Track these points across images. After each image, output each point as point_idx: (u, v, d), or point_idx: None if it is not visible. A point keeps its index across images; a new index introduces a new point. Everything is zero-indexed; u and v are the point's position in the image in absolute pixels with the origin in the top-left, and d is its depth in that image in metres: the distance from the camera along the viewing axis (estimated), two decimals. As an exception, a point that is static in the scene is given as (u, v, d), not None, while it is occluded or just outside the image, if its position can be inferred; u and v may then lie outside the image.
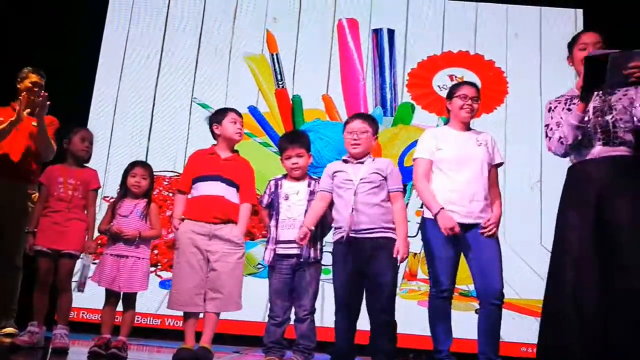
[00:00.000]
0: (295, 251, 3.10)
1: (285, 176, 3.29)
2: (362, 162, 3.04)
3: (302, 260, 3.12)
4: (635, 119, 2.69)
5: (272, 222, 3.21)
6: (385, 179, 3.01)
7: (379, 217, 2.95)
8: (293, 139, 3.32)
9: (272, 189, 3.26)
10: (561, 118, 2.81)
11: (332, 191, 3.07)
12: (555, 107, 2.88)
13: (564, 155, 2.83)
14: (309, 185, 3.22)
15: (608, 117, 2.73)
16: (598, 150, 2.72)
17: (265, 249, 3.21)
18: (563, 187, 2.85)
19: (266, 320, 3.22)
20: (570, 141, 2.71)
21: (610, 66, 2.55)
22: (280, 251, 3.15)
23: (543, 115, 3.02)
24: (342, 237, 2.96)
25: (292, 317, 3.21)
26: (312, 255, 3.14)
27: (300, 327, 3.14)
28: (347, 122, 3.16)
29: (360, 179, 2.99)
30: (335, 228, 3.05)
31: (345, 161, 3.10)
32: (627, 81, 2.56)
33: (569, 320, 2.59)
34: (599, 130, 2.72)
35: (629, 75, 2.53)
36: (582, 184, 2.73)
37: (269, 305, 3.22)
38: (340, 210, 3.00)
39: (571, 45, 2.92)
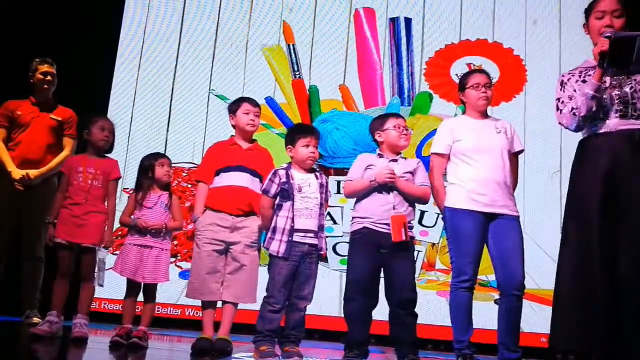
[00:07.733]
0: (311, 241, 3.03)
1: (289, 166, 3.13)
2: (396, 161, 3.05)
3: (314, 250, 3.04)
4: None
5: (283, 213, 3.03)
6: (412, 174, 3.04)
7: (408, 214, 2.98)
8: (313, 129, 3.24)
9: (284, 179, 3.05)
10: (574, 91, 2.67)
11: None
12: (568, 80, 2.75)
13: (576, 130, 2.69)
14: (317, 178, 3.12)
15: (627, 88, 2.60)
16: (615, 123, 2.59)
17: (272, 240, 3.03)
18: (573, 163, 2.73)
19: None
20: (584, 113, 2.58)
21: (639, 49, 2.46)
22: (296, 239, 3.00)
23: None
24: (364, 227, 2.95)
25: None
26: (323, 246, 3.09)
27: (294, 316, 3.03)
28: (388, 117, 3.11)
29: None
30: (355, 218, 3.03)
31: (380, 156, 3.08)
32: None
33: (578, 305, 2.53)
34: (616, 102, 2.59)
35: None
36: (594, 158, 2.60)
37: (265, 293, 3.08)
38: (371, 205, 2.97)
39: (588, 12, 2.77)
